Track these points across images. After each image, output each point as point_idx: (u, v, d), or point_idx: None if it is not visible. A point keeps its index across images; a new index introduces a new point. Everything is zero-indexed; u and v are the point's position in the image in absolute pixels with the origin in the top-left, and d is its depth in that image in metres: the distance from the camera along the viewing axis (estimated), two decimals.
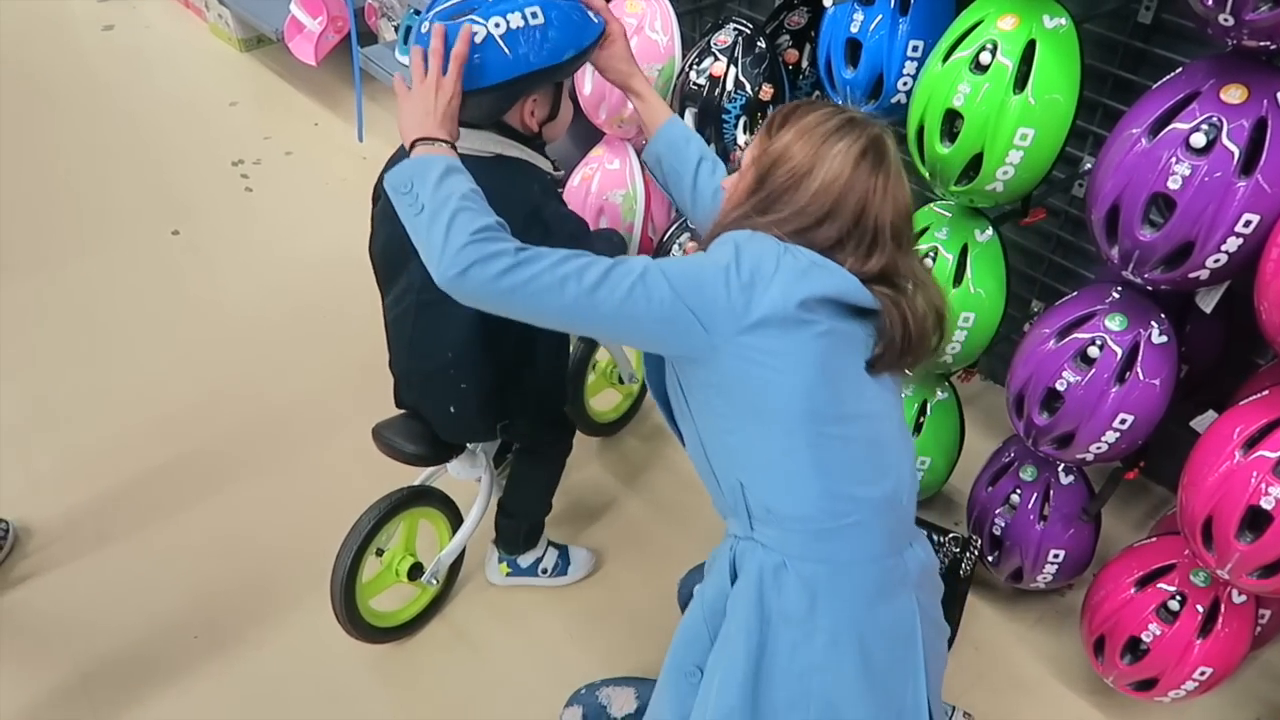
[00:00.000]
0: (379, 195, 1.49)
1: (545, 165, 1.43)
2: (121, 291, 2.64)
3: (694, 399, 1.17)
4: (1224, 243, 1.23)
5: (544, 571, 1.88)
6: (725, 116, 1.86)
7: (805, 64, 1.95)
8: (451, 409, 1.53)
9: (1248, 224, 1.21)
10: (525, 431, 1.65)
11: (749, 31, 1.85)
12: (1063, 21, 1.36)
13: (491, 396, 1.52)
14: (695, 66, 1.87)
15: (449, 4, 1.25)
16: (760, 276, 1.07)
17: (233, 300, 2.61)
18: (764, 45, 1.84)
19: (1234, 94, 1.20)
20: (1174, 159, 1.22)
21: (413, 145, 1.17)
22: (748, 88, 1.84)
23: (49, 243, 2.79)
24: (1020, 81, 1.35)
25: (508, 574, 1.87)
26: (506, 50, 1.23)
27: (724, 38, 1.86)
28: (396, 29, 3.08)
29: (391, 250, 1.45)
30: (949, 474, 1.92)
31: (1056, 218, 1.95)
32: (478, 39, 1.22)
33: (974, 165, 1.43)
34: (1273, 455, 1.28)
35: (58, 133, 3.33)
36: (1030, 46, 1.35)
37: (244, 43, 3.78)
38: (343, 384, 2.36)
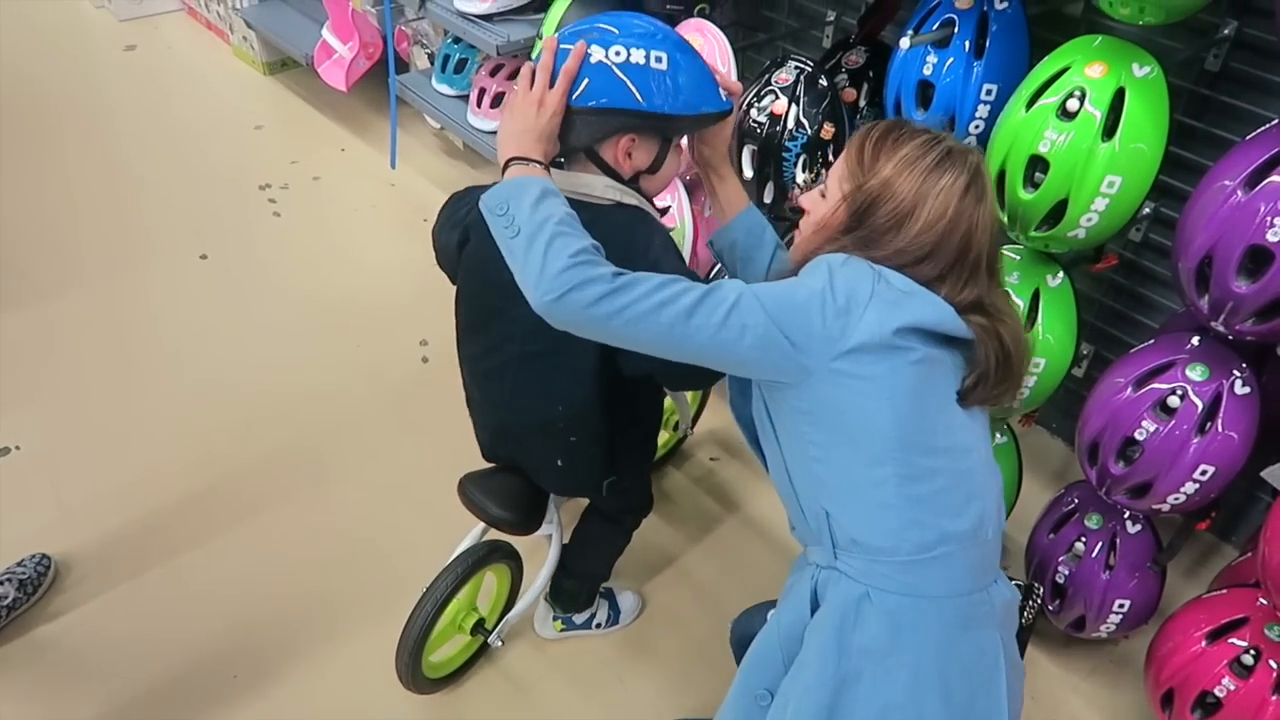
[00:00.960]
0: (464, 238, 1.43)
1: (658, 216, 1.39)
2: (151, 315, 2.60)
3: (781, 424, 1.15)
4: None
5: (598, 626, 1.86)
6: (785, 155, 1.84)
7: (863, 103, 1.94)
8: (559, 462, 1.48)
9: None
10: (627, 487, 1.60)
11: (810, 70, 1.84)
12: (1150, 70, 1.35)
13: (603, 450, 1.47)
14: (756, 104, 1.86)
15: (574, 29, 1.23)
16: (856, 302, 1.06)
17: (263, 325, 2.58)
18: (825, 83, 1.84)
19: None
20: (1274, 212, 1.21)
21: (507, 164, 1.16)
22: (808, 126, 1.83)
23: (76, 266, 2.76)
24: (1109, 130, 1.34)
25: (562, 630, 1.85)
26: (621, 77, 1.21)
27: (785, 76, 1.85)
28: (431, 57, 3.08)
29: (486, 298, 1.41)
30: (1006, 520, 1.89)
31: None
32: (592, 60, 1.20)
33: (1056, 211, 1.41)
34: None
35: (81, 154, 3.30)
36: (1119, 94, 1.34)
37: (268, 66, 3.77)
38: (378, 413, 2.33)
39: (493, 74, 2.57)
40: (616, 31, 1.22)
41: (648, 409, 1.55)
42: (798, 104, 1.83)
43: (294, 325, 2.59)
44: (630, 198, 1.32)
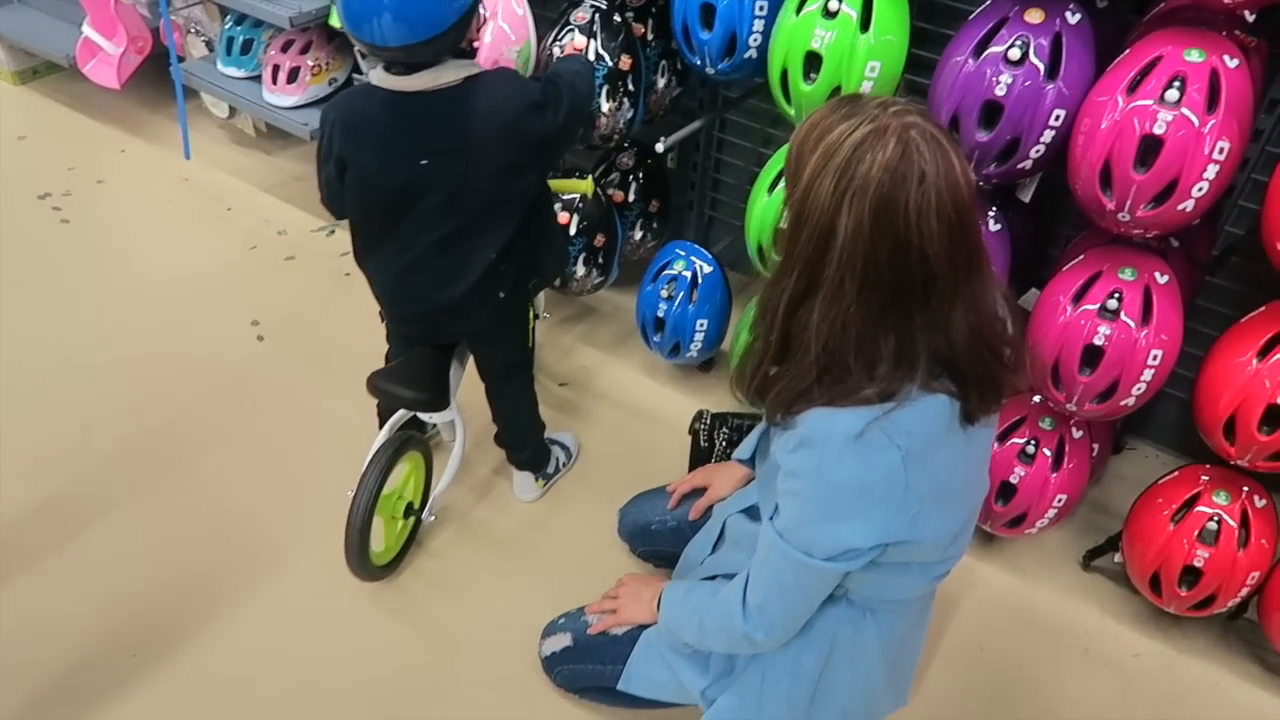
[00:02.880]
0: (341, 167, 1.60)
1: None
2: None
3: None
4: (1041, 135, 1.54)
5: (562, 466, 2.16)
6: None
7: (650, 36, 2.15)
8: (501, 294, 1.72)
9: (1057, 118, 1.52)
10: (546, 273, 1.89)
11: (604, 8, 2.02)
12: None
13: (528, 258, 1.72)
14: (558, 42, 2.02)
15: None
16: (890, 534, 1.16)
17: (79, 329, 2.48)
18: (619, 19, 2.02)
19: (1034, 16, 1.51)
20: (999, 72, 1.51)
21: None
22: (608, 59, 2.02)
23: None
24: (864, 24, 1.61)
25: (543, 486, 2.12)
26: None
27: (582, 14, 2.02)
28: (208, 44, 3.02)
29: (386, 205, 1.60)
30: None
31: None
32: None
33: (831, 98, 1.67)
34: (1094, 305, 1.61)
35: None
36: None
37: (18, 75, 3.53)
38: (224, 395, 2.33)
39: (284, 49, 2.59)
40: None
41: (547, 207, 1.83)
42: (595, 39, 2.01)
43: (113, 326, 2.51)
44: (472, 68, 1.55)
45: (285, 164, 3.20)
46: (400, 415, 1.91)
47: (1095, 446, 1.94)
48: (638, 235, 2.50)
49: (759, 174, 1.98)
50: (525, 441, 2.05)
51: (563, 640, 1.66)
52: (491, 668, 1.80)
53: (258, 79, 2.71)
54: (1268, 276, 1.58)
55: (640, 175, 2.44)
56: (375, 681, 1.77)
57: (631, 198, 2.44)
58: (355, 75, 2.53)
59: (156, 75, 3.18)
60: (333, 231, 2.90)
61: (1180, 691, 1.85)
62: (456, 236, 1.63)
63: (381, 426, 2.05)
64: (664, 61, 2.19)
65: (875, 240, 1.00)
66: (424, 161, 1.54)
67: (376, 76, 1.54)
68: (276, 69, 2.58)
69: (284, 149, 3.26)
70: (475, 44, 1.65)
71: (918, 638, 1.49)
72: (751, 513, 1.55)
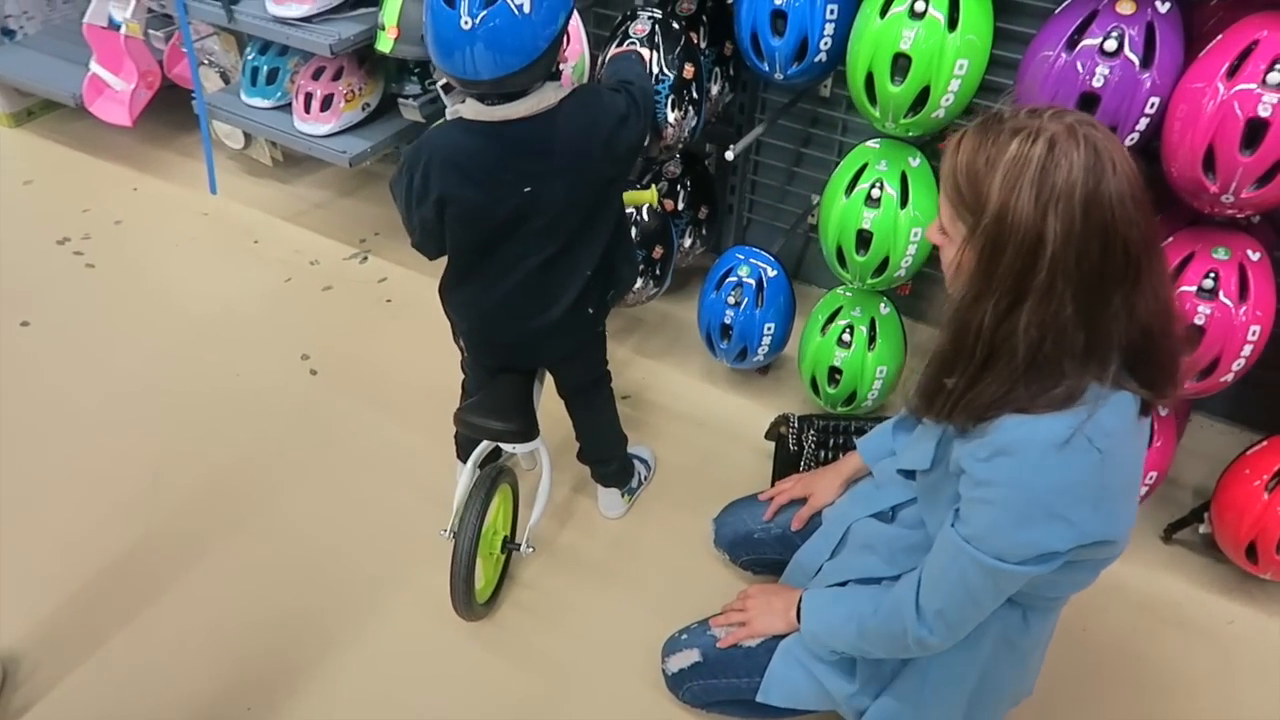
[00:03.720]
0: (440, 208, 1.56)
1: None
2: None
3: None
4: (1137, 124, 1.56)
5: (645, 479, 2.16)
6: (657, 98, 2.01)
7: (703, 44, 2.15)
8: (590, 310, 1.73)
9: (1152, 106, 1.55)
10: (623, 283, 1.85)
11: (661, 18, 2.02)
12: None
13: (612, 271, 1.74)
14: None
15: None
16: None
17: (124, 375, 2.42)
18: (678, 27, 2.02)
19: (1126, 7, 1.53)
20: (1095, 64, 1.53)
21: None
22: (670, 70, 2.01)
23: None
24: (952, 23, 1.62)
25: (628, 500, 2.11)
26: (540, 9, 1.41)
27: (641, 27, 2.01)
28: (223, 75, 2.97)
29: (487, 238, 1.59)
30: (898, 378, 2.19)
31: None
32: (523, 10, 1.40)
33: (920, 98, 1.69)
34: (1191, 286, 1.64)
35: None
36: None
37: (12, 118, 3.43)
38: (286, 431, 2.30)
39: (315, 77, 2.54)
40: None
41: (624, 212, 1.80)
42: (658, 51, 2.01)
43: (162, 369, 2.45)
44: (564, 88, 1.55)
45: (304, 192, 3.16)
46: (484, 447, 1.89)
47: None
48: (687, 243, 2.50)
49: (806, 176, 1.98)
50: (612, 454, 2.04)
51: (690, 656, 1.65)
52: (609, 691, 1.79)
53: (285, 108, 2.66)
54: None
55: (688, 182, 2.44)
56: None
57: (681, 205, 2.44)
58: (402, 99, 2.48)
59: (160, 109, 3.11)
60: (366, 258, 2.86)
61: (1277, 656, 1.90)
62: (557, 258, 1.62)
63: (462, 458, 2.04)
64: (717, 69, 2.19)
65: (1087, 237, 1.04)
66: (528, 189, 1.53)
67: (471, 110, 1.52)
68: (309, 97, 2.54)
69: (301, 177, 3.21)
70: (562, 65, 1.64)
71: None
72: (882, 516, 1.56)
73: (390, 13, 2.16)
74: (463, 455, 2.06)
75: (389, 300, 2.72)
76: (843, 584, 1.54)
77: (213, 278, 2.79)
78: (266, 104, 2.68)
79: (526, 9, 1.39)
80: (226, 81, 2.96)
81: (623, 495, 2.09)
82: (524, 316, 1.68)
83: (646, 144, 2.07)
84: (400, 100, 2.49)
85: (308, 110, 2.55)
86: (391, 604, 1.92)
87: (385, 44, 2.16)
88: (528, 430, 1.73)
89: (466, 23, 1.37)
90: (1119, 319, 1.09)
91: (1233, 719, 1.80)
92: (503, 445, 1.86)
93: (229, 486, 2.14)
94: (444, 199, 1.54)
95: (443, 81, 1.69)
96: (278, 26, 2.36)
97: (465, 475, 1.84)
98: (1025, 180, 1.04)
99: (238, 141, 3.10)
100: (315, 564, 2.00)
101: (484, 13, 1.37)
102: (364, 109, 2.61)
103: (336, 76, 2.53)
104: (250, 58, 2.67)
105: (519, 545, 1.90)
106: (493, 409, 1.72)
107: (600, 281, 1.71)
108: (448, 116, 1.65)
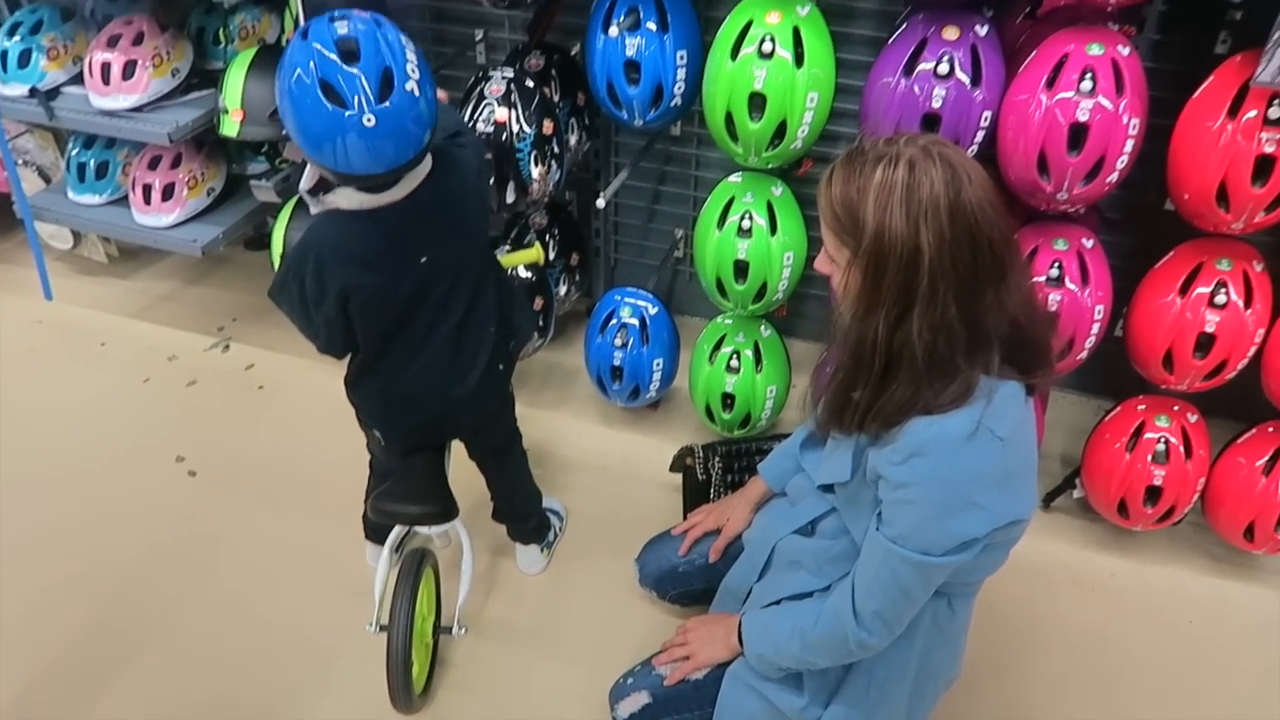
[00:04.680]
0: (342, 302, 1.52)
1: None
2: None
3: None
4: (975, 136, 1.71)
5: (559, 532, 2.15)
6: (519, 155, 2.04)
7: (556, 97, 2.19)
8: (501, 366, 1.73)
9: (986, 119, 1.70)
10: (522, 331, 1.87)
11: (514, 76, 2.05)
12: (809, 8, 1.76)
13: (507, 323, 1.73)
14: (481, 118, 2.02)
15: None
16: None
17: None
18: (532, 85, 2.06)
19: (951, 33, 1.68)
20: (932, 86, 1.67)
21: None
22: (530, 127, 2.04)
23: None
24: (799, 60, 1.73)
25: (546, 554, 2.10)
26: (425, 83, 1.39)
27: (496, 87, 2.03)
28: (41, 173, 2.79)
29: (393, 317, 1.55)
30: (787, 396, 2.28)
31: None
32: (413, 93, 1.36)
33: (779, 132, 1.78)
34: (1041, 277, 1.80)
35: None
36: (797, 32, 1.73)
37: None
38: (174, 540, 2.16)
39: (152, 166, 2.43)
40: None
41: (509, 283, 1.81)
42: (515, 109, 2.04)
43: (24, 500, 2.24)
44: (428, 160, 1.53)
45: (147, 285, 2.99)
46: (399, 532, 1.83)
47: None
48: (563, 290, 2.53)
49: (667, 212, 2.21)
50: (531, 509, 2.02)
51: (640, 699, 1.66)
52: None
53: (119, 202, 2.52)
54: (1157, 227, 1.84)
55: (556, 231, 2.48)
56: None
57: (553, 254, 2.46)
58: (255, 181, 2.39)
59: None
60: (228, 346, 2.74)
61: (1156, 598, 2.09)
62: (466, 320, 1.61)
63: (371, 539, 1.99)
64: (573, 119, 2.24)
65: (958, 242, 1.15)
66: (424, 258, 1.52)
67: (349, 200, 1.46)
68: (148, 188, 2.42)
69: (139, 270, 3.05)
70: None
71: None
72: (802, 531, 1.62)
73: (232, 95, 2.10)
74: (372, 536, 2.00)
75: (260, 387, 2.62)
76: (776, 603, 1.59)
77: (61, 388, 2.60)
78: (99, 199, 2.54)
79: (416, 90, 1.35)
80: (47, 180, 2.78)
81: (541, 550, 2.08)
82: (445, 386, 1.64)
83: (513, 200, 2.10)
84: (252, 182, 2.40)
85: (148, 202, 2.43)
86: (319, 711, 1.83)
87: (230, 128, 2.09)
88: (448, 510, 1.67)
89: (369, 120, 1.30)
90: (993, 312, 1.20)
91: (1130, 659, 1.97)
92: (418, 529, 1.82)
93: (118, 613, 1.99)
94: (345, 291, 1.48)
95: (308, 186, 1.58)
96: (107, 120, 2.25)
97: (383, 563, 1.78)
98: (895, 201, 1.15)
99: (65, 241, 2.91)
100: (224, 688, 1.88)
101: (385, 105, 1.31)
102: (209, 194, 2.51)
103: (175, 164, 2.43)
104: (74, 153, 2.52)
105: (449, 628, 1.85)
106: (409, 493, 1.66)
107: (503, 336, 1.71)
108: (313, 211, 1.57)
